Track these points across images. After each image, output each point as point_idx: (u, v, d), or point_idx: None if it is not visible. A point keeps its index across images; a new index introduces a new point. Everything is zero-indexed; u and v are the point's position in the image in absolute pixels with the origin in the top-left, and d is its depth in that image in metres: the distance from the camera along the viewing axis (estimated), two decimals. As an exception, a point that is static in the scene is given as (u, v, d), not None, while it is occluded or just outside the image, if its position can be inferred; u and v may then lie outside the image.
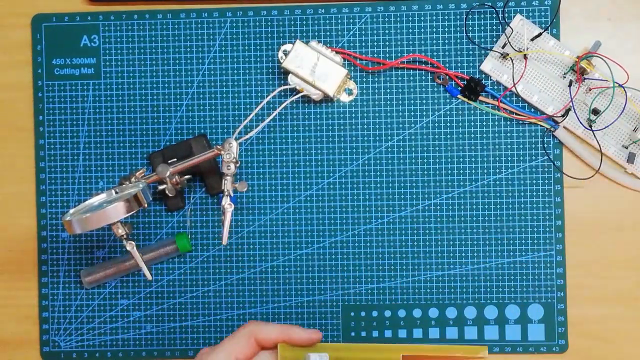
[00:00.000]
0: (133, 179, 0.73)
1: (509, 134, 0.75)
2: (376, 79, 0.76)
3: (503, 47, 0.74)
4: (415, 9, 0.76)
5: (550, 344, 0.75)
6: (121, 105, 0.77)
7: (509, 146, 0.75)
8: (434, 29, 0.76)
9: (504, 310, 0.75)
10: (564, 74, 0.74)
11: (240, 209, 0.76)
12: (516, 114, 0.75)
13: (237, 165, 0.72)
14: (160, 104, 0.77)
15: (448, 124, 0.75)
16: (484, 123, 0.75)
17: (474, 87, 0.74)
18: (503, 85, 0.75)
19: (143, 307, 0.77)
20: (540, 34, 0.74)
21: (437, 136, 0.76)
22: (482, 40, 0.75)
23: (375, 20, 0.76)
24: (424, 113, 0.76)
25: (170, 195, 0.73)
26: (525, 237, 0.75)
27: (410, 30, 0.76)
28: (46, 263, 0.77)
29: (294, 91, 0.75)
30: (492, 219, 0.75)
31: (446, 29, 0.75)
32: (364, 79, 0.76)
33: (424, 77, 0.76)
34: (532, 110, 0.75)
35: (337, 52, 0.74)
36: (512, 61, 0.74)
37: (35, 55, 0.77)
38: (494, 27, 0.75)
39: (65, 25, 0.77)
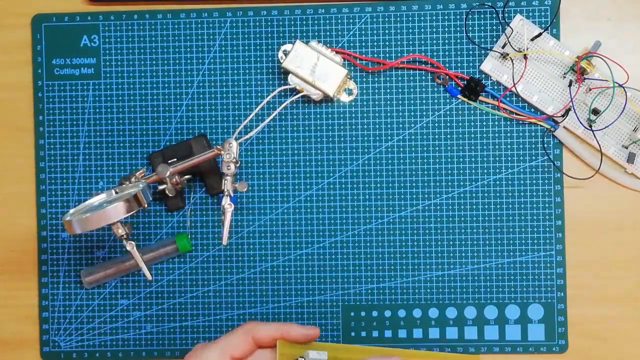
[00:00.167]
0: (133, 179, 0.73)
1: (509, 134, 0.75)
2: (376, 79, 0.76)
3: (503, 47, 0.74)
4: (415, 9, 0.76)
5: (550, 344, 0.75)
6: (121, 105, 0.77)
7: (509, 146, 0.75)
8: (434, 29, 0.76)
9: (504, 310, 0.75)
10: (564, 74, 0.74)
11: (240, 209, 0.76)
12: (516, 114, 0.75)
13: (237, 165, 0.72)
14: (160, 104, 0.77)
15: (448, 124, 0.75)
16: (484, 123, 0.75)
17: (474, 87, 0.74)
18: (503, 85, 0.75)
19: (143, 307, 0.77)
20: (540, 34, 0.74)
21: (437, 136, 0.76)
22: (482, 40, 0.75)
23: (375, 20, 0.76)
24: (424, 113, 0.76)
25: (170, 195, 0.73)
26: (525, 237, 0.75)
27: (410, 30, 0.76)
28: (46, 263, 0.77)
29: (294, 91, 0.75)
30: (492, 219, 0.75)
31: (446, 29, 0.75)
32: (364, 79, 0.76)
33: (424, 77, 0.76)
34: (532, 110, 0.75)
35: (337, 52, 0.74)
36: (512, 61, 0.74)
37: (35, 55, 0.77)
38: (494, 27, 0.75)
39: (65, 25, 0.77)
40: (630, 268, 0.75)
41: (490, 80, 0.75)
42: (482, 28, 0.75)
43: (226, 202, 0.71)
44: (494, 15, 0.75)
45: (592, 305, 0.75)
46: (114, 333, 0.77)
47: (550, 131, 0.75)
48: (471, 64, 0.75)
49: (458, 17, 0.75)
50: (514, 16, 0.74)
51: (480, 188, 0.75)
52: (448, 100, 0.76)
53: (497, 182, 0.75)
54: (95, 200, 0.72)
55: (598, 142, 0.74)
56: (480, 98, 0.75)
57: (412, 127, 0.76)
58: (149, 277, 0.71)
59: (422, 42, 0.76)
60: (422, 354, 0.72)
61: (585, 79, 0.73)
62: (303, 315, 0.76)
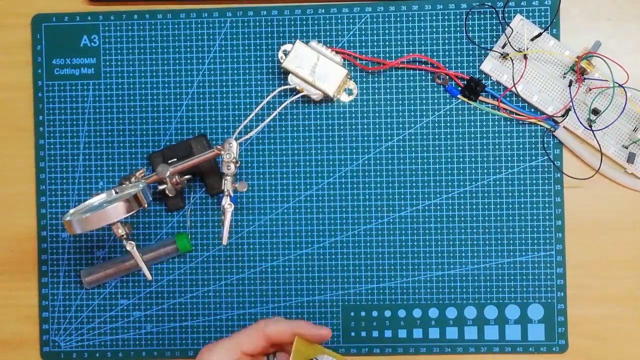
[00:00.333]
0: (133, 179, 0.73)
1: (509, 134, 0.75)
2: (376, 79, 0.76)
3: (503, 47, 0.74)
4: (415, 9, 0.76)
5: (550, 344, 0.75)
6: (121, 105, 0.77)
7: (509, 146, 0.75)
8: (434, 29, 0.76)
9: (504, 310, 0.75)
10: (564, 74, 0.74)
11: (240, 209, 0.76)
12: (516, 114, 0.75)
13: (237, 165, 0.72)
14: (160, 104, 0.77)
15: (448, 124, 0.75)
16: (484, 123, 0.75)
17: (474, 87, 0.74)
18: (503, 85, 0.75)
19: (143, 307, 0.77)
20: (540, 34, 0.74)
21: (437, 136, 0.76)
22: (482, 40, 0.75)
23: (375, 20, 0.76)
24: (424, 113, 0.76)
25: (170, 195, 0.73)
26: (525, 237, 0.75)
27: (410, 30, 0.76)
28: (46, 263, 0.77)
29: (294, 91, 0.75)
30: (492, 219, 0.75)
31: (446, 29, 0.75)
32: (364, 79, 0.76)
33: (424, 77, 0.76)
34: (532, 110, 0.75)
35: (337, 52, 0.74)
36: (512, 61, 0.74)
37: (35, 55, 0.77)
38: (494, 27, 0.75)
39: (65, 25, 0.77)
40: (630, 268, 0.75)
41: (490, 80, 0.75)
42: (482, 28, 0.75)
43: (226, 202, 0.71)
44: (494, 15, 0.75)
45: (592, 305, 0.75)
46: (114, 333, 0.77)
47: (550, 131, 0.75)
48: (471, 64, 0.75)
49: (458, 17, 0.75)
50: (514, 16, 0.74)
51: (480, 188, 0.75)
52: (448, 100, 0.76)
53: (497, 182, 0.75)
54: (95, 200, 0.72)
55: (598, 142, 0.74)
56: (480, 98, 0.75)
57: (412, 127, 0.76)
58: (149, 277, 0.71)
59: (422, 42, 0.76)
60: None
61: (585, 79, 0.73)
62: (303, 315, 0.76)
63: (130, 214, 0.67)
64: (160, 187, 0.73)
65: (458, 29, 0.75)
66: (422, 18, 0.76)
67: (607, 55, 0.72)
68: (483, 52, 0.75)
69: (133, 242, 0.69)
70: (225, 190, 0.71)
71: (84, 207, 0.71)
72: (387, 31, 0.76)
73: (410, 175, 0.76)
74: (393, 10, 0.76)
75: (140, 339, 0.77)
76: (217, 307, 0.77)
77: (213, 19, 0.77)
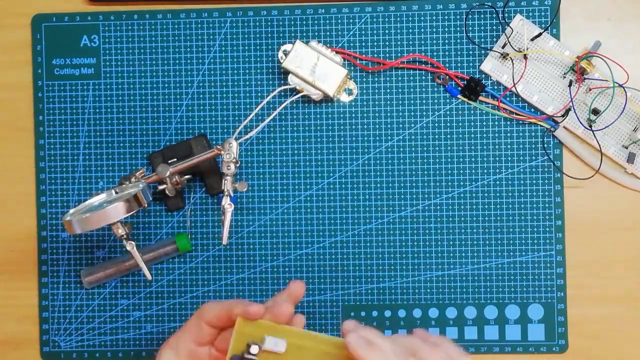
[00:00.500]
0: (133, 179, 0.73)
1: (509, 134, 0.75)
2: (376, 79, 0.76)
3: (503, 47, 0.74)
4: (415, 9, 0.76)
5: (550, 344, 0.75)
6: (121, 105, 0.77)
7: (509, 146, 0.75)
8: (434, 29, 0.76)
9: (504, 310, 0.75)
10: (564, 74, 0.74)
11: (240, 209, 0.76)
12: (516, 114, 0.75)
13: (237, 165, 0.72)
14: (160, 104, 0.77)
15: (448, 124, 0.75)
16: (484, 123, 0.75)
17: (474, 87, 0.74)
18: (503, 85, 0.75)
19: (143, 307, 0.77)
20: (540, 34, 0.74)
21: (437, 136, 0.76)
22: (482, 40, 0.75)
23: (375, 20, 0.76)
24: (424, 113, 0.76)
25: (170, 195, 0.73)
26: (525, 237, 0.75)
27: (410, 30, 0.76)
28: (46, 263, 0.77)
29: (294, 91, 0.75)
30: (492, 219, 0.75)
31: (446, 29, 0.75)
32: (364, 79, 0.76)
33: (424, 77, 0.76)
34: (532, 110, 0.75)
35: (337, 52, 0.74)
36: (512, 61, 0.74)
37: (35, 55, 0.77)
38: (494, 27, 0.75)
39: (65, 25, 0.77)
40: (630, 268, 0.75)
41: (490, 80, 0.75)
42: (482, 28, 0.75)
43: (226, 202, 0.71)
44: (494, 15, 0.75)
45: (592, 305, 0.75)
46: (114, 333, 0.77)
47: (550, 131, 0.75)
48: (471, 64, 0.75)
49: (458, 17, 0.75)
50: (514, 16, 0.74)
51: (480, 188, 0.75)
52: (448, 100, 0.76)
53: (497, 182, 0.75)
54: (95, 200, 0.72)
55: (598, 142, 0.74)
56: (480, 98, 0.75)
57: (412, 127, 0.76)
58: (149, 277, 0.71)
59: (422, 42, 0.76)
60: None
61: (585, 79, 0.73)
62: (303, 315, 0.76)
63: (130, 214, 0.67)
64: (160, 187, 0.73)
65: (458, 29, 0.75)
66: (422, 18, 0.76)
67: (607, 55, 0.72)
68: (483, 52, 0.75)
69: (133, 242, 0.69)
70: (225, 190, 0.71)
71: (84, 207, 0.71)
72: (387, 31, 0.76)
73: (410, 175, 0.76)
74: (393, 10, 0.76)
75: (140, 339, 0.77)
76: (217, 307, 0.76)
77: (213, 19, 0.77)
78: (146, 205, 0.68)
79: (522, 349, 0.75)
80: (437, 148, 0.76)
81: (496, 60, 0.75)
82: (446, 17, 0.75)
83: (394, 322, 0.76)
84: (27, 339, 0.77)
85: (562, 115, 0.74)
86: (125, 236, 0.69)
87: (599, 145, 0.74)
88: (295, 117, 0.76)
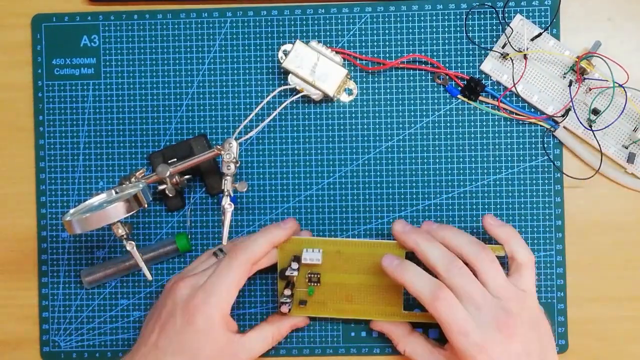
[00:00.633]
0: (133, 179, 0.73)
1: (509, 134, 0.75)
2: (376, 79, 0.76)
3: (503, 47, 0.74)
4: (415, 9, 0.76)
5: (550, 344, 0.75)
6: (121, 105, 0.77)
7: (509, 146, 0.75)
8: (434, 29, 0.76)
9: (504, 310, 0.75)
10: (564, 74, 0.74)
11: (240, 209, 0.76)
12: (516, 114, 0.75)
13: (237, 165, 0.72)
14: (160, 104, 0.77)
15: (448, 124, 0.75)
16: (484, 123, 0.75)
17: (474, 87, 0.74)
18: (503, 85, 0.75)
19: (143, 307, 0.77)
20: (540, 34, 0.74)
21: (437, 136, 0.76)
22: (482, 40, 0.75)
23: (375, 20, 0.76)
24: (424, 113, 0.76)
25: (170, 195, 0.73)
26: (525, 237, 0.75)
27: (410, 30, 0.76)
28: (46, 263, 0.77)
29: (294, 91, 0.75)
30: (492, 219, 0.75)
31: (446, 29, 0.75)
32: (364, 79, 0.76)
33: (424, 77, 0.76)
34: (532, 110, 0.75)
35: (337, 52, 0.74)
36: (512, 61, 0.74)
37: (35, 55, 0.77)
38: (494, 27, 0.75)
39: (65, 25, 0.77)
40: (630, 268, 0.75)
41: (490, 80, 0.75)
42: (482, 28, 0.75)
43: (226, 202, 0.71)
44: (494, 15, 0.75)
45: (592, 305, 0.75)
46: (114, 333, 0.77)
47: (550, 131, 0.75)
48: (471, 64, 0.75)
49: (458, 17, 0.75)
50: (514, 16, 0.75)
51: (480, 188, 0.75)
52: (448, 100, 0.76)
53: (497, 182, 0.75)
54: (95, 200, 0.72)
55: (598, 142, 0.74)
56: (480, 98, 0.75)
57: (412, 127, 0.76)
58: (149, 277, 0.71)
59: (422, 42, 0.76)
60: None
61: (585, 79, 0.73)
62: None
63: (130, 214, 0.67)
64: (160, 187, 0.73)
65: (458, 29, 0.75)
66: (422, 18, 0.76)
67: (607, 55, 0.72)
68: (483, 52, 0.75)
69: (133, 242, 0.69)
70: (225, 190, 0.71)
71: (84, 207, 0.71)
72: (387, 31, 0.76)
73: (410, 175, 0.76)
74: (393, 10, 0.76)
75: (140, 339, 0.77)
76: (217, 307, 0.76)
77: (213, 19, 0.77)
78: (146, 205, 0.68)
79: (522, 349, 0.75)
80: (437, 148, 0.76)
81: (496, 60, 0.75)
82: (446, 17, 0.75)
83: (394, 322, 0.76)
84: (27, 339, 0.77)
85: (562, 115, 0.74)
86: (125, 236, 0.69)
87: (599, 145, 0.74)
88: (295, 117, 0.76)
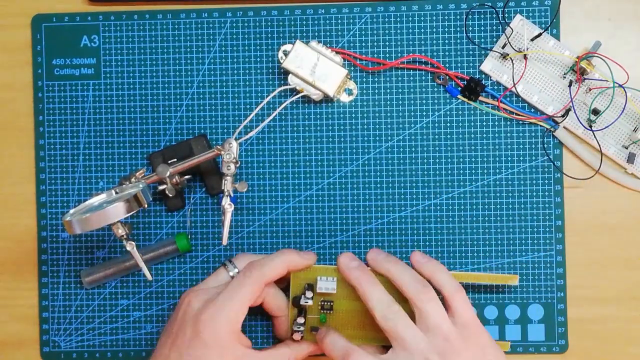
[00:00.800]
0: (133, 179, 0.73)
1: (509, 134, 0.75)
2: (376, 79, 0.76)
3: (503, 47, 0.74)
4: (415, 9, 0.76)
5: (550, 344, 0.75)
6: (121, 105, 0.77)
7: (509, 146, 0.75)
8: (434, 29, 0.76)
9: (504, 310, 0.75)
10: (564, 74, 0.74)
11: (240, 209, 0.76)
12: (516, 114, 0.75)
13: (237, 165, 0.72)
14: (160, 104, 0.77)
15: (448, 124, 0.75)
16: (484, 123, 0.75)
17: (474, 87, 0.74)
18: (503, 85, 0.75)
19: (143, 307, 0.77)
20: (540, 34, 0.74)
21: (437, 136, 0.76)
22: (482, 40, 0.75)
23: (375, 20, 0.76)
24: (424, 113, 0.76)
25: (170, 195, 0.73)
26: (525, 237, 0.75)
27: (410, 30, 0.76)
28: (46, 263, 0.77)
29: (294, 91, 0.75)
30: (492, 219, 0.75)
31: (446, 29, 0.75)
32: (364, 79, 0.76)
33: (424, 77, 0.76)
34: (532, 110, 0.75)
35: (337, 52, 0.74)
36: (512, 61, 0.74)
37: (35, 55, 0.77)
38: (494, 27, 0.75)
39: (65, 25, 0.77)
40: (630, 268, 0.75)
41: (490, 80, 0.75)
42: (482, 28, 0.75)
43: (226, 202, 0.71)
44: (494, 15, 0.75)
45: (592, 305, 0.75)
46: (114, 333, 0.77)
47: (550, 131, 0.75)
48: (471, 64, 0.75)
49: (458, 17, 0.75)
50: (514, 16, 0.75)
51: (480, 188, 0.75)
52: (448, 100, 0.76)
53: (497, 182, 0.75)
54: (95, 200, 0.72)
55: (598, 142, 0.74)
56: (480, 98, 0.75)
57: (412, 127, 0.76)
58: (149, 277, 0.71)
59: (422, 42, 0.76)
60: (454, 275, 0.72)
61: (585, 79, 0.73)
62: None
63: (130, 214, 0.67)
64: (160, 187, 0.73)
65: (458, 29, 0.75)
66: (422, 18, 0.76)
67: (607, 55, 0.72)
68: (483, 52, 0.75)
69: (133, 242, 0.69)
70: (225, 190, 0.71)
71: (84, 207, 0.71)
72: (387, 31, 0.76)
73: (410, 175, 0.76)
74: (393, 10, 0.76)
75: (140, 339, 0.77)
76: (217, 307, 0.76)
77: (213, 19, 0.77)
78: (146, 205, 0.68)
79: (522, 349, 0.75)
80: (437, 148, 0.76)
81: (496, 61, 0.75)
82: (446, 17, 0.75)
83: (394, 322, 0.76)
84: (27, 339, 0.77)
85: (562, 116, 0.74)
86: (125, 236, 0.69)
87: (599, 146, 0.74)
88: (295, 117, 0.76)
